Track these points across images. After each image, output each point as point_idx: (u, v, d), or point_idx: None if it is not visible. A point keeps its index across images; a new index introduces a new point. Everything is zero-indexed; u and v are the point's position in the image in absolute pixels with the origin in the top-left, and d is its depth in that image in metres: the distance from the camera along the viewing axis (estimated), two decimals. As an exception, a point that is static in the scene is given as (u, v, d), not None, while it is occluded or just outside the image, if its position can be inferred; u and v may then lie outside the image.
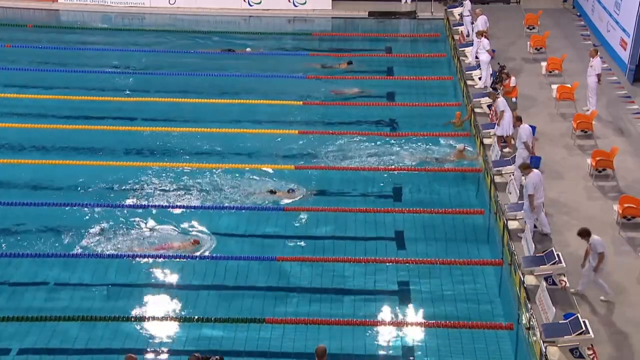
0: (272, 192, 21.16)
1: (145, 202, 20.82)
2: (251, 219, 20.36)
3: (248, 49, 31.10)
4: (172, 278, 18.30)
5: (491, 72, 25.60)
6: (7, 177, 22.16)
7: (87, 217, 20.21)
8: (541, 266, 16.76)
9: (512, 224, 18.67)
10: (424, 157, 23.10)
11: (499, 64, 25.28)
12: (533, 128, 22.70)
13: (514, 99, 23.26)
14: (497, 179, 20.60)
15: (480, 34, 26.23)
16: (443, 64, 29.90)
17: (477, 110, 24.31)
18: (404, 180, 22.03)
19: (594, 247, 16.06)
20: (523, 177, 18.56)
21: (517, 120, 20.73)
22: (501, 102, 21.73)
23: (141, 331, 16.63)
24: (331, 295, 17.73)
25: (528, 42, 28.92)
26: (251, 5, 35.21)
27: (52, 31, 33.87)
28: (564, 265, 16.81)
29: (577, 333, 14.81)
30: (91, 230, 19.59)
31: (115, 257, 18.69)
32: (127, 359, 14.13)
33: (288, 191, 21.21)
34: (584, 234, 16.25)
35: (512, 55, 28.55)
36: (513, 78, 23.13)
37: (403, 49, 31.85)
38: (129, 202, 20.90)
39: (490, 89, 24.54)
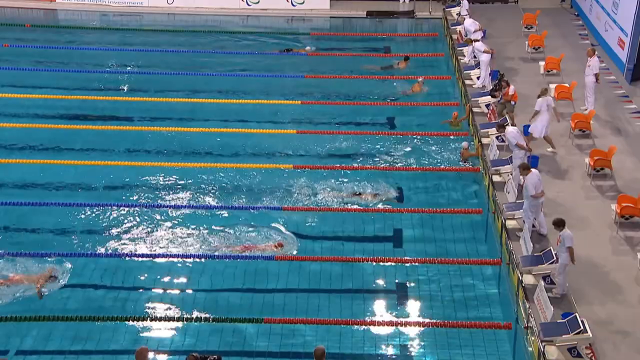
0: (358, 194, 21.06)
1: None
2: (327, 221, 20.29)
3: (308, 48, 31.08)
4: (171, 278, 18.26)
5: (490, 71, 25.61)
6: (5, 177, 22.14)
7: (99, 217, 20.30)
8: (539, 265, 16.79)
9: (511, 224, 18.70)
10: (422, 156, 23.11)
11: (498, 71, 25.26)
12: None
13: (512, 102, 23.27)
14: (496, 178, 20.63)
15: (469, 41, 26.35)
16: (441, 64, 29.89)
17: (475, 109, 24.32)
18: (403, 180, 22.01)
19: (562, 240, 16.10)
20: (522, 177, 18.58)
21: (500, 127, 20.80)
22: (538, 102, 21.57)
23: (140, 331, 16.63)
24: (329, 295, 17.73)
25: (526, 42, 28.94)
26: (249, 5, 35.21)
27: (50, 31, 33.84)
28: (562, 265, 16.85)
29: (575, 332, 14.82)
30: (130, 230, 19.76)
31: (115, 256, 18.73)
32: (139, 351, 14.12)
33: (374, 194, 21.10)
34: (559, 224, 16.28)
35: (510, 54, 28.58)
36: (512, 87, 23.16)
37: (401, 48, 31.83)
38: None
39: (490, 97, 24.52)
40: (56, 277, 17.67)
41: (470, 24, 27.97)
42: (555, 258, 16.57)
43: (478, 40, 26.37)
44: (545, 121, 21.54)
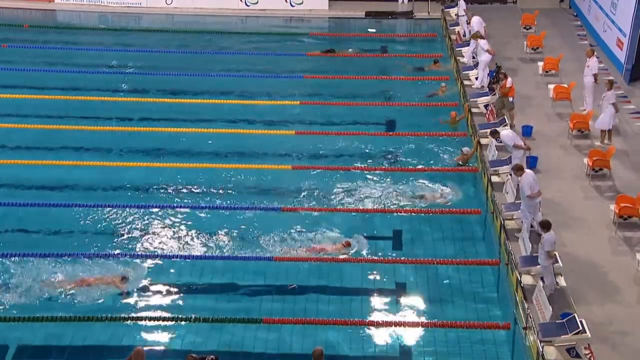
0: (422, 197, 21.02)
1: (225, 203, 20.79)
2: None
3: (350, 50, 31.07)
4: (168, 278, 18.25)
5: (488, 72, 25.61)
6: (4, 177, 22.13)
7: (102, 218, 20.30)
8: (538, 266, 16.78)
9: (509, 224, 18.70)
10: (421, 156, 23.09)
11: (496, 64, 25.33)
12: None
13: (511, 99, 23.31)
14: (494, 178, 20.63)
15: (475, 36, 26.23)
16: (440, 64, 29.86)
17: (473, 110, 24.33)
18: (401, 180, 22.00)
19: (543, 243, 16.11)
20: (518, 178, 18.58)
21: (495, 133, 20.79)
22: (612, 95, 21.58)
23: (138, 331, 16.62)
24: (328, 296, 17.72)
25: (525, 42, 28.97)
26: (248, 6, 35.20)
27: (48, 31, 33.84)
28: (561, 265, 16.86)
29: (574, 333, 14.82)
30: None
31: (113, 256, 18.71)
32: (135, 352, 14.11)
33: (439, 194, 21.03)
34: (544, 226, 16.28)
35: (509, 55, 28.58)
36: (509, 79, 23.17)
37: (400, 49, 31.84)
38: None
39: (488, 90, 24.60)
40: (128, 278, 17.73)
41: (477, 22, 27.77)
42: (554, 258, 16.59)
43: (484, 38, 26.27)
44: (605, 115, 21.58)
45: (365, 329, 16.67)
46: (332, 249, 18.89)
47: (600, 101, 21.99)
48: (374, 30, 33.50)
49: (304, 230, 19.65)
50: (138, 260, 18.64)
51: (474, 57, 26.87)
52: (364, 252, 18.93)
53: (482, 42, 25.70)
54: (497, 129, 21.24)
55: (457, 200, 21.06)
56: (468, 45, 28.16)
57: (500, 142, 21.45)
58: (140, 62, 30.09)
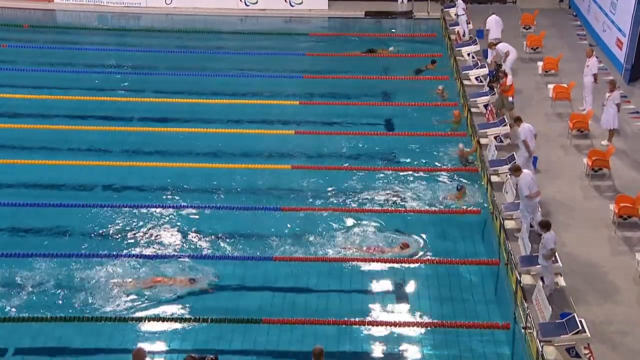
0: (460, 185, 21.07)
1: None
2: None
3: (391, 49, 31.10)
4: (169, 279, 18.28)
5: (488, 71, 25.63)
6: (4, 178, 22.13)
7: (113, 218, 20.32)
8: (537, 266, 16.79)
9: (509, 224, 18.72)
10: (420, 156, 23.11)
11: (496, 63, 25.34)
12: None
13: (510, 98, 23.33)
14: (494, 178, 20.65)
15: (491, 45, 26.06)
16: (440, 64, 29.85)
17: (473, 110, 24.34)
18: (400, 181, 22.01)
19: (544, 243, 16.13)
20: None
21: (518, 120, 20.67)
22: (617, 95, 21.69)
23: (138, 331, 16.63)
24: (328, 296, 17.74)
25: (524, 42, 28.97)
26: (247, 5, 35.22)
27: (48, 31, 33.85)
28: (561, 265, 16.89)
29: (573, 332, 14.84)
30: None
31: (110, 257, 18.72)
32: (136, 352, 14.10)
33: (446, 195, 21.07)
34: (544, 225, 16.30)
35: (509, 55, 28.59)
36: (510, 77, 23.18)
37: (400, 48, 31.84)
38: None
39: (487, 88, 24.63)
40: (195, 280, 17.75)
41: (494, 22, 27.55)
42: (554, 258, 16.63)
43: (501, 41, 26.20)
44: (608, 114, 21.65)
45: (365, 328, 16.68)
46: (389, 251, 18.88)
47: (604, 101, 21.97)
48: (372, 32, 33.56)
49: (304, 230, 19.64)
50: (137, 260, 18.63)
51: (473, 58, 26.81)
52: (420, 253, 18.97)
53: (501, 46, 25.49)
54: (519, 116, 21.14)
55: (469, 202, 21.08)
56: (468, 45, 28.18)
57: (500, 140, 21.50)
58: (139, 62, 30.10)
